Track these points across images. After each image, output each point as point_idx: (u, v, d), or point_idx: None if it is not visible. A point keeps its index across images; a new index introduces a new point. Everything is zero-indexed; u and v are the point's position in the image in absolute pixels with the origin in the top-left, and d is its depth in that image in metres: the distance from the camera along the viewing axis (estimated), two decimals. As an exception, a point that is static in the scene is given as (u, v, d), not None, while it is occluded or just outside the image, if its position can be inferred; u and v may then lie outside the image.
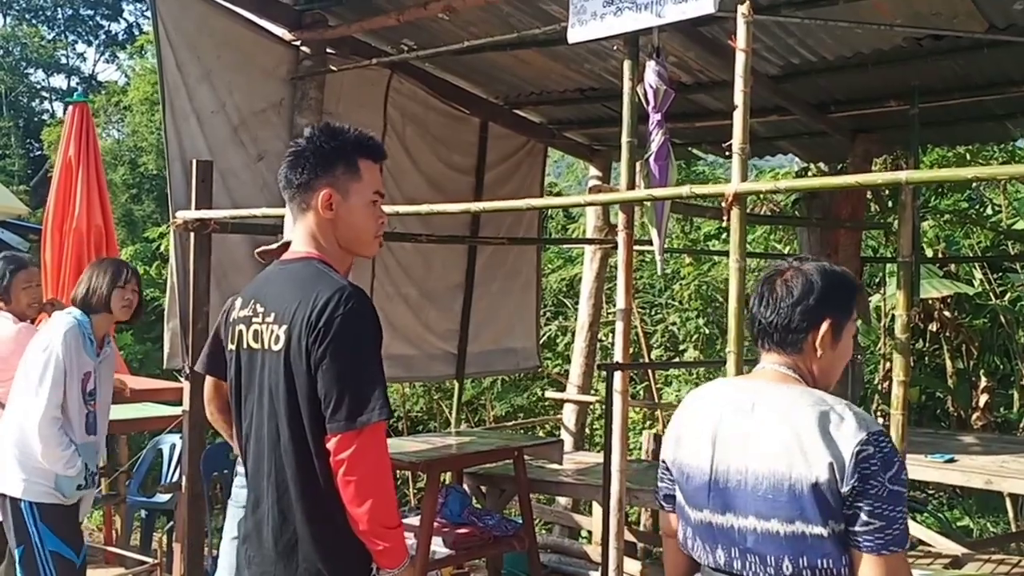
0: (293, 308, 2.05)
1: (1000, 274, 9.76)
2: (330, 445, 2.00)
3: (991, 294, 9.53)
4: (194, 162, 4.52)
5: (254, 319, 2.14)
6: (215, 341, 2.98)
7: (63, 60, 27.52)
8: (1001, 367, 9.80)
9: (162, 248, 11.60)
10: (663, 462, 2.06)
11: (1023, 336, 9.42)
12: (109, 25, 28.42)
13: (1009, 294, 9.65)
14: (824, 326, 1.92)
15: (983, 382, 9.40)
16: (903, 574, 1.79)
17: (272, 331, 2.08)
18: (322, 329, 2.00)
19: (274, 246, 3.17)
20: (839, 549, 1.76)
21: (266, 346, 2.10)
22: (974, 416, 9.28)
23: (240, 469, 3.16)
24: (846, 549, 1.77)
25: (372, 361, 2.04)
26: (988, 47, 4.84)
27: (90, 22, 28.21)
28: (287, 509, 2.06)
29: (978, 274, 9.68)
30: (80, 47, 28.56)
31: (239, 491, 3.16)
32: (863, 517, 1.74)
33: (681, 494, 1.99)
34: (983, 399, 9.27)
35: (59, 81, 27.65)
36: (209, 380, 3.06)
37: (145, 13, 26.99)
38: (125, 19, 28.52)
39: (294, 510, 2.05)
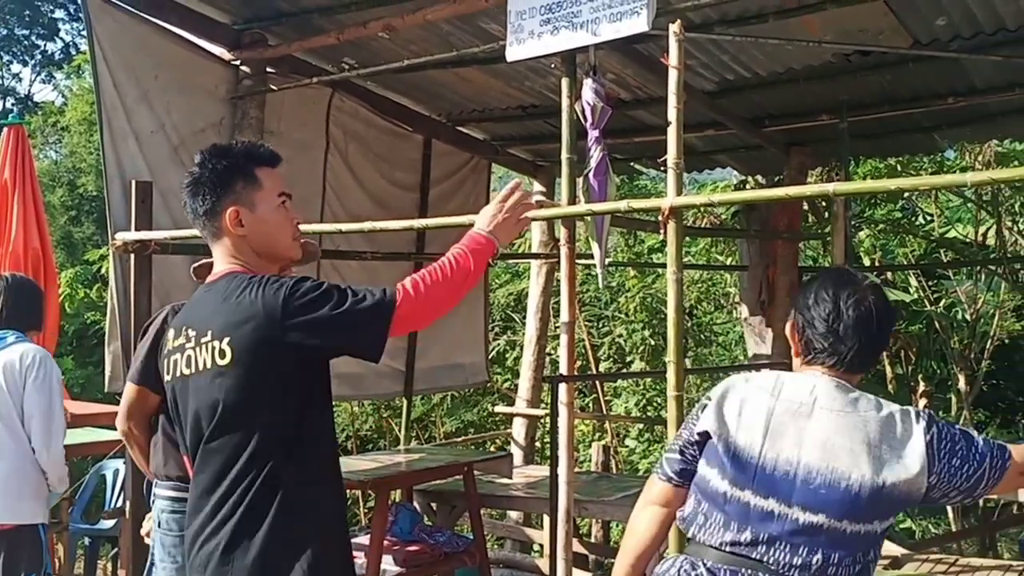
0: (231, 318, 2.02)
1: (935, 281, 10.04)
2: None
3: (926, 301, 9.80)
4: (133, 183, 4.48)
5: (187, 345, 2.11)
6: (149, 353, 2.93)
7: (-2, 80, 26.94)
8: (938, 371, 10.07)
9: (103, 271, 11.42)
10: (697, 435, 2.02)
11: (958, 341, 9.69)
12: (45, 45, 27.83)
13: (944, 300, 9.93)
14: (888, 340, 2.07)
15: (921, 387, 9.66)
16: None
17: (212, 348, 2.03)
18: (280, 308, 1.98)
19: (207, 261, 3.12)
20: (871, 546, 1.87)
21: (205, 366, 2.05)
22: (913, 420, 9.50)
23: (158, 491, 3.09)
24: (875, 545, 1.88)
25: (334, 289, 2.02)
26: (913, 62, 5.02)
27: (25, 42, 27.60)
28: (243, 526, 2.02)
29: (913, 281, 9.95)
30: (15, 67, 27.89)
31: (165, 516, 3.06)
32: (977, 465, 1.87)
33: (716, 470, 1.95)
34: (922, 403, 9.50)
35: (-6, 102, 27.04)
36: (134, 391, 2.99)
37: (82, 32, 26.51)
38: (62, 39, 27.96)
39: (251, 523, 2.01)
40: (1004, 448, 1.90)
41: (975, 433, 1.92)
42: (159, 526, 3.07)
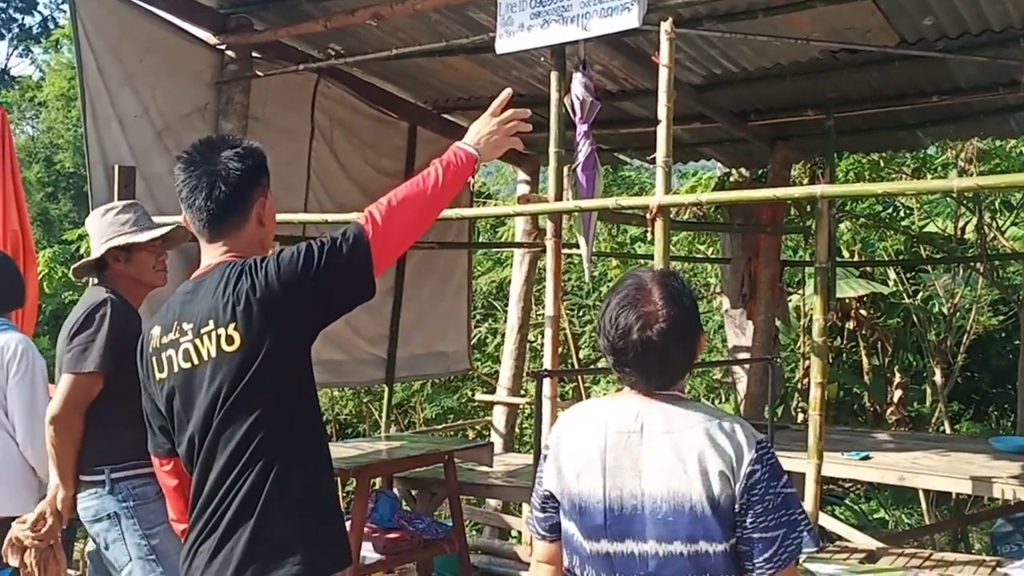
0: (235, 304, 2.03)
1: (913, 274, 10.13)
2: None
3: (904, 294, 9.89)
4: (116, 168, 4.44)
5: (182, 340, 2.10)
6: (120, 341, 2.89)
7: (-27, 54, 26.53)
8: (914, 364, 10.17)
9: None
10: (546, 492, 1.95)
11: (934, 334, 9.79)
12: (23, 18, 27.41)
13: (921, 293, 10.03)
14: (698, 345, 1.90)
15: (897, 378, 9.75)
16: None
17: (217, 337, 2.04)
18: (277, 280, 2.02)
19: (88, 260, 3.18)
20: (736, 563, 1.79)
21: (210, 355, 2.05)
22: (889, 411, 9.62)
23: (132, 472, 3.03)
24: (739, 561, 1.79)
25: (312, 246, 2.07)
26: (900, 60, 5.06)
27: (2, 15, 27.20)
28: (247, 506, 2.04)
29: (892, 274, 10.03)
30: (-8, 40, 27.50)
31: (140, 490, 3.00)
32: (760, 535, 1.76)
33: (572, 525, 1.89)
34: (897, 395, 9.62)
35: (-31, 76, 26.62)
36: (98, 379, 2.96)
37: (61, 6, 26.15)
38: (40, 12, 27.52)
39: (269, 516, 2.03)
40: (801, 548, 1.80)
41: (799, 506, 1.82)
42: (131, 501, 3.00)
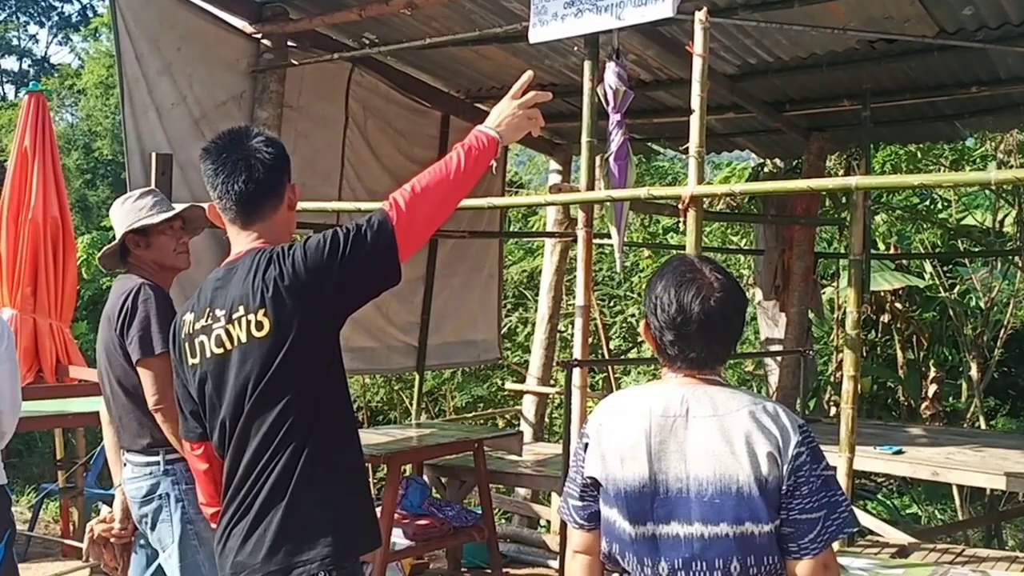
0: (265, 290, 2.06)
1: (950, 267, 10.00)
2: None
3: (941, 287, 9.77)
4: (153, 155, 4.50)
5: (215, 325, 2.13)
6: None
7: (14, 42, 26.93)
8: (950, 358, 10.05)
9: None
10: (588, 479, 1.95)
11: (971, 328, 9.66)
12: (62, 6, 27.83)
13: (958, 287, 9.89)
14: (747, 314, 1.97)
15: (932, 373, 9.64)
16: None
17: (247, 322, 2.07)
18: (304, 267, 2.05)
19: (110, 247, 3.19)
20: (782, 546, 1.82)
21: (240, 341, 2.09)
22: (923, 405, 9.51)
23: (173, 456, 3.05)
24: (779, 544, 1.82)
25: (337, 234, 2.09)
26: (938, 51, 4.99)
27: (43, 3, 27.58)
28: (279, 486, 2.07)
29: (928, 267, 9.91)
30: (32, 28, 27.91)
31: (189, 475, 3.00)
32: (806, 516, 1.79)
33: (615, 510, 1.89)
34: (932, 389, 9.50)
35: (10, 63, 27.06)
36: (167, 358, 3.01)
37: (100, -6, 26.47)
38: (79, 0, 27.98)
39: (300, 499, 2.07)
40: (849, 524, 1.84)
41: (839, 488, 1.86)
42: (183, 484, 3.02)
